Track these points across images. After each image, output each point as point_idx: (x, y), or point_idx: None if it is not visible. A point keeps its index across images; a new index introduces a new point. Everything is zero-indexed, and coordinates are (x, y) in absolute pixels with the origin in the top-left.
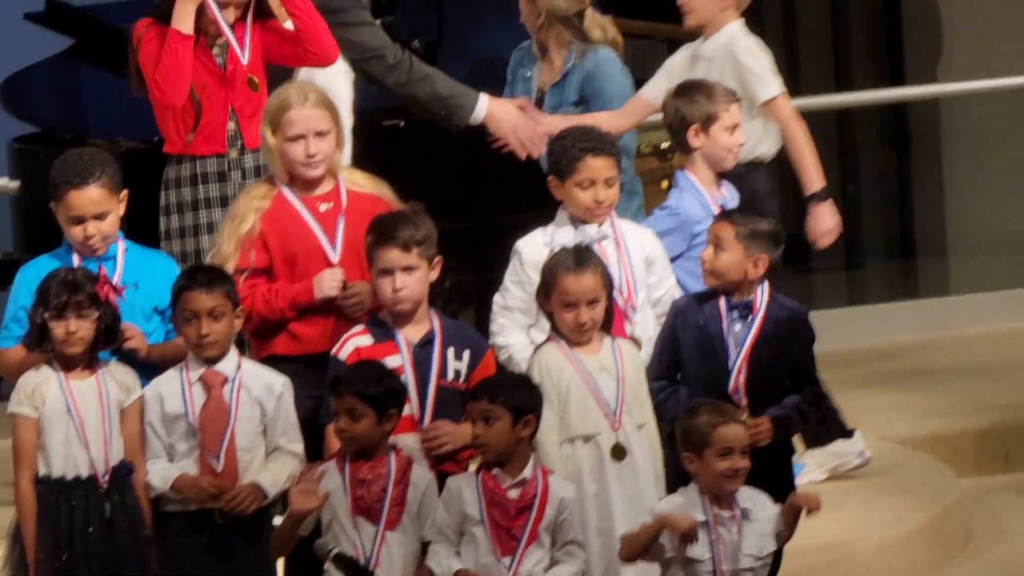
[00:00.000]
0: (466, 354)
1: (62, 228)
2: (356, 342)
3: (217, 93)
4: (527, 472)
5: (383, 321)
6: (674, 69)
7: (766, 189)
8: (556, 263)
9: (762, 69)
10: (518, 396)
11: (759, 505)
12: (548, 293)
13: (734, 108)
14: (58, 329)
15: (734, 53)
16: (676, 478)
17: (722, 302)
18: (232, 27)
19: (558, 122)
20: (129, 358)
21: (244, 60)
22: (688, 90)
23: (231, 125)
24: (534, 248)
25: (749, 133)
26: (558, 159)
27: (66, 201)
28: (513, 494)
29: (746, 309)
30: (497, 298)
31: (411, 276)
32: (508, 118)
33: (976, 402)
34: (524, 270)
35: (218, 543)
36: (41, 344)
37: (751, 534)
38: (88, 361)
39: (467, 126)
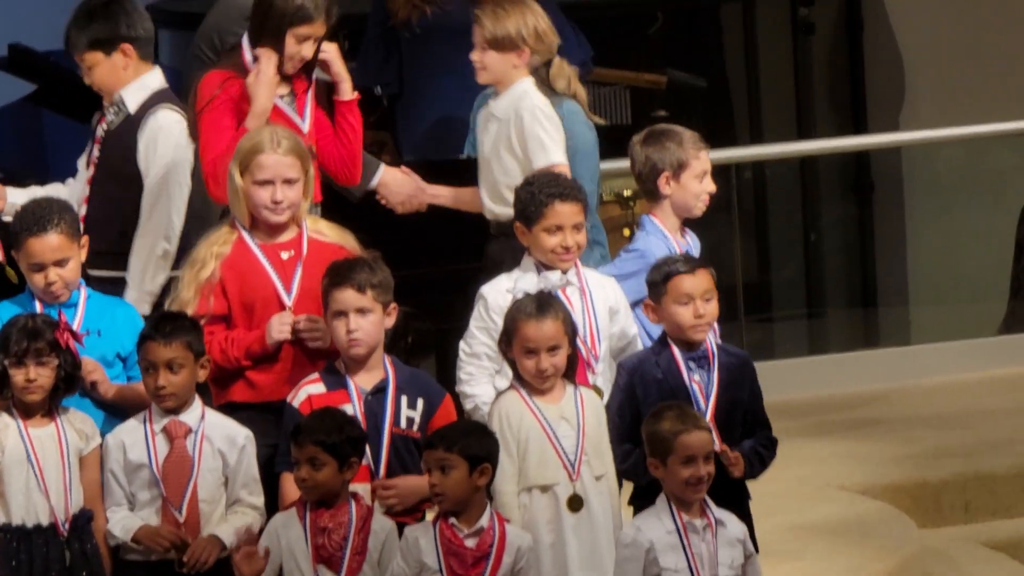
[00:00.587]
0: (420, 402)
1: (25, 276)
2: (308, 390)
3: None
4: (484, 521)
5: (336, 369)
6: (478, 135)
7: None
8: (517, 309)
9: (544, 134)
10: (474, 444)
11: (728, 517)
12: (510, 340)
13: (703, 155)
14: (17, 376)
15: (519, 112)
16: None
17: (677, 354)
18: (294, 95)
19: (441, 191)
20: (89, 403)
21: (304, 129)
22: (658, 136)
23: None
24: (499, 294)
25: None
26: (525, 205)
27: (26, 249)
28: (470, 543)
29: (702, 359)
30: (463, 345)
31: (365, 319)
32: (399, 187)
33: (937, 452)
34: (489, 316)
35: None
36: (1, 391)
37: (725, 544)
38: (48, 408)
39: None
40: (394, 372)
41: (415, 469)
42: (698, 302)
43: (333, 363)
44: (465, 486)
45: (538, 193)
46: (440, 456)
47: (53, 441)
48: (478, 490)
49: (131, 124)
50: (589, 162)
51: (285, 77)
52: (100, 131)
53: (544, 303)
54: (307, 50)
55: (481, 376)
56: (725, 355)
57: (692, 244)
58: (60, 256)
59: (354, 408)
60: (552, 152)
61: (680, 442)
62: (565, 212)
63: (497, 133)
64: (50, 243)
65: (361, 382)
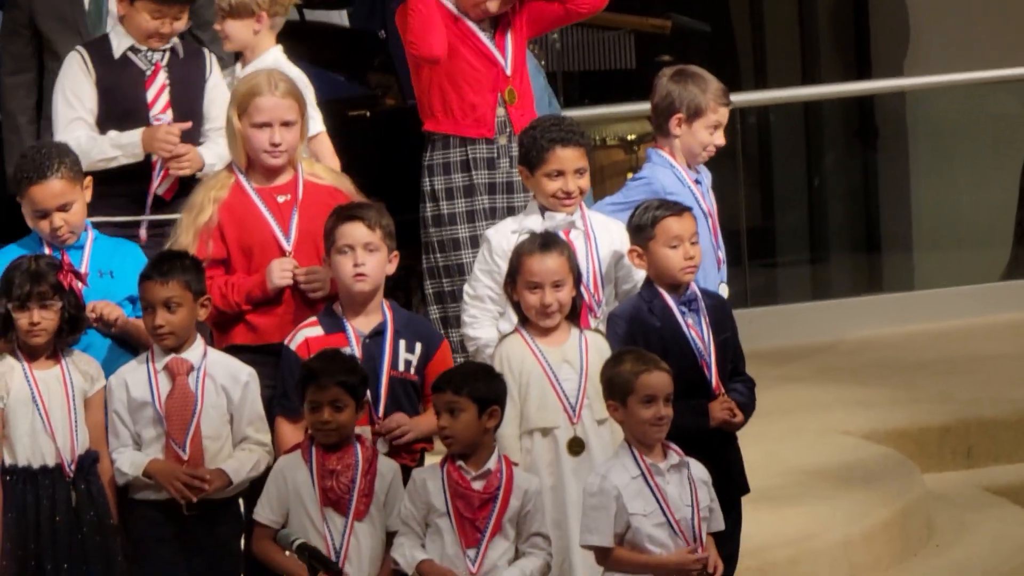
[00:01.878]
0: (418, 346)
1: (30, 223)
2: (306, 333)
3: (486, 75)
4: (491, 463)
5: (334, 312)
6: None
7: None
8: (522, 247)
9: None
10: (483, 387)
11: (691, 461)
12: (514, 278)
13: (723, 110)
14: (21, 320)
15: None
16: None
17: (670, 300)
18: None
19: None
20: (95, 332)
21: (508, 70)
22: (686, 77)
23: (500, 111)
24: (504, 237)
25: None
26: (528, 150)
27: (29, 196)
28: (477, 485)
29: (692, 302)
30: (467, 288)
31: (372, 256)
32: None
33: (940, 397)
34: (493, 259)
35: (185, 534)
36: (5, 334)
37: (690, 484)
38: (53, 350)
39: None
40: (392, 315)
41: (412, 412)
42: (687, 244)
43: (331, 306)
44: (474, 428)
45: (540, 138)
46: (449, 399)
47: (58, 383)
48: (487, 432)
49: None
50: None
51: None
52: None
53: (549, 240)
54: None
55: (484, 319)
56: (707, 298)
57: (703, 176)
58: (63, 201)
59: (352, 351)
60: (316, 119)
61: (641, 382)
62: (567, 157)
63: None
64: (52, 189)
65: (359, 325)
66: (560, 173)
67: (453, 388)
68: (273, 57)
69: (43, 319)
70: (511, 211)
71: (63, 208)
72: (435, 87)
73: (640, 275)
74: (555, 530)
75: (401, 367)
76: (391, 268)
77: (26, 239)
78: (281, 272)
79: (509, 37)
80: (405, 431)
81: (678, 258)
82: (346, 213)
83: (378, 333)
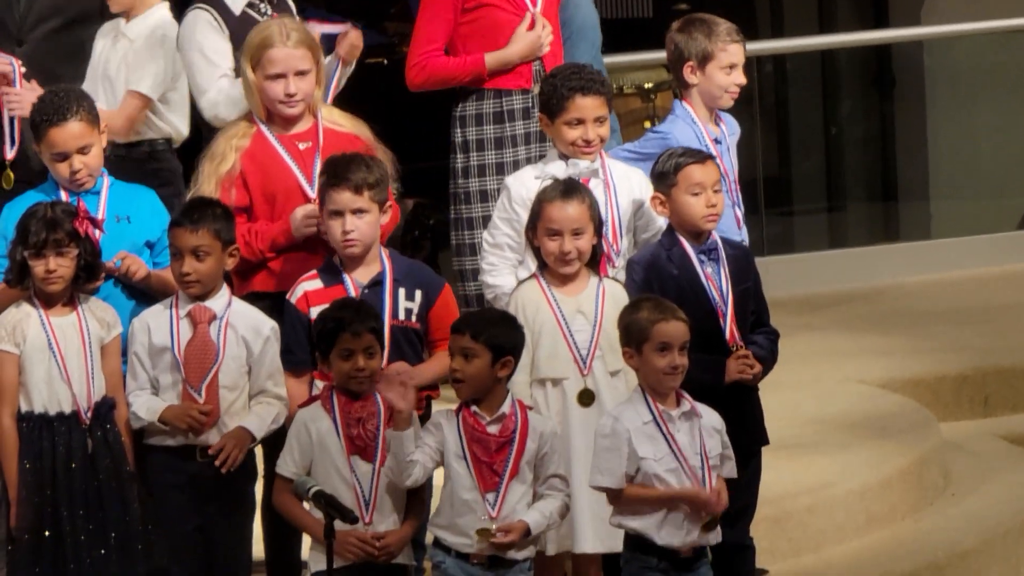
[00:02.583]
0: (418, 293)
1: (48, 167)
2: (305, 287)
3: (519, 23)
4: (505, 407)
5: (333, 264)
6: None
7: None
8: (544, 193)
9: (153, 64)
10: (500, 335)
11: (704, 408)
12: (535, 224)
13: (734, 48)
14: (38, 267)
15: (158, 39)
16: None
17: (689, 248)
18: None
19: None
20: (120, 292)
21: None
22: (689, 25)
23: (536, 62)
24: (523, 184)
25: None
26: (548, 98)
27: (48, 139)
28: (493, 429)
29: (712, 251)
30: (486, 235)
31: (361, 219)
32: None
33: (957, 346)
34: (512, 207)
35: (199, 480)
36: (22, 281)
37: (703, 432)
38: (69, 297)
39: None
40: (391, 265)
41: (415, 360)
42: (709, 192)
43: (331, 259)
44: (485, 376)
45: (560, 86)
46: (465, 343)
47: (74, 330)
48: (498, 381)
49: None
50: (593, 36)
51: None
52: None
53: (571, 187)
54: None
55: (503, 267)
56: (729, 248)
57: (727, 130)
58: (82, 143)
59: None
60: (144, 82)
61: (657, 330)
62: (587, 105)
63: (125, 53)
64: (72, 131)
65: (358, 276)
66: (580, 121)
67: (472, 333)
68: (159, 15)
69: (59, 266)
70: (541, 159)
71: (82, 151)
72: (471, 42)
73: (660, 225)
74: None
75: (402, 315)
76: (385, 219)
77: (43, 185)
78: (305, 219)
79: None
80: (406, 379)
81: (700, 205)
82: (333, 178)
83: (377, 283)
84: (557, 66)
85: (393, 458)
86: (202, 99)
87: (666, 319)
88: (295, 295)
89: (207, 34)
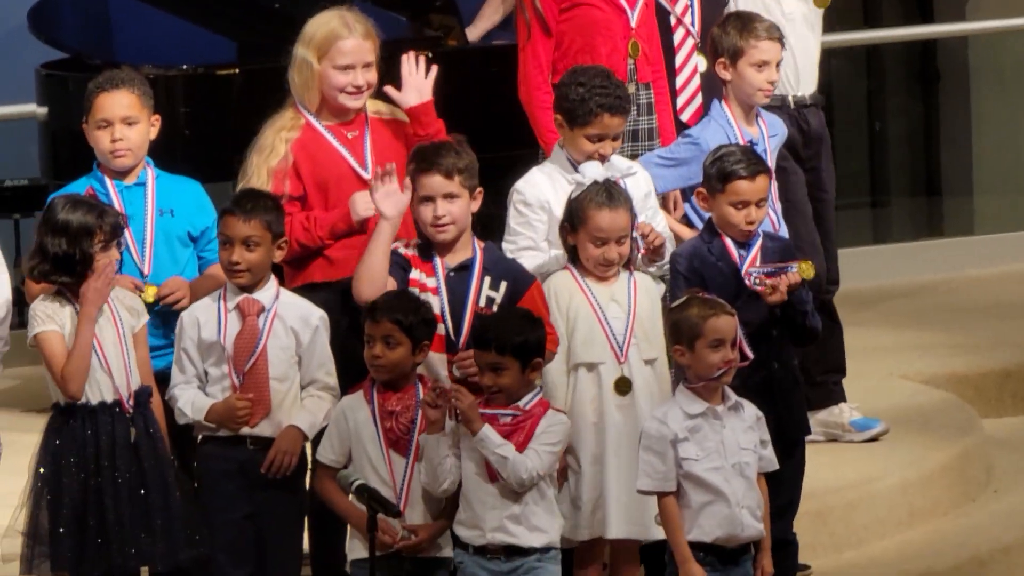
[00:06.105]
0: (503, 284)
1: (92, 142)
2: (404, 251)
3: (616, 23)
4: (523, 403)
5: (428, 243)
6: None
7: None
8: (588, 198)
9: None
10: (524, 341)
11: (744, 402)
12: (575, 227)
13: (766, 45)
14: (102, 260)
15: None
16: None
17: (730, 244)
18: None
19: None
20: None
21: (633, 23)
22: (726, 21)
23: (631, 61)
24: (535, 187)
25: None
26: (574, 106)
27: (96, 105)
28: (505, 419)
29: (752, 245)
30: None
31: (453, 204)
32: None
33: (999, 341)
34: (529, 210)
35: (249, 468)
36: (73, 271)
37: (743, 428)
38: None
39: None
40: (482, 254)
41: None
42: (752, 208)
43: (428, 239)
44: (520, 382)
45: (589, 99)
46: (491, 359)
47: (108, 320)
48: (531, 382)
49: None
50: None
51: None
52: None
53: (613, 192)
54: None
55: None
56: (770, 241)
57: (767, 131)
58: (129, 113)
59: (437, 282)
60: None
61: (709, 326)
62: (613, 125)
63: None
64: (120, 99)
65: (447, 260)
66: (600, 138)
67: (496, 348)
68: None
69: (114, 255)
70: (633, 159)
71: (127, 122)
72: (566, 39)
73: (660, 218)
74: (593, 466)
75: (483, 303)
76: (475, 206)
77: (87, 176)
78: (366, 203)
79: None
80: (471, 373)
81: (739, 218)
82: (423, 163)
83: (464, 268)
84: (584, 70)
85: (428, 463)
86: None
87: (716, 314)
88: (400, 249)
89: None
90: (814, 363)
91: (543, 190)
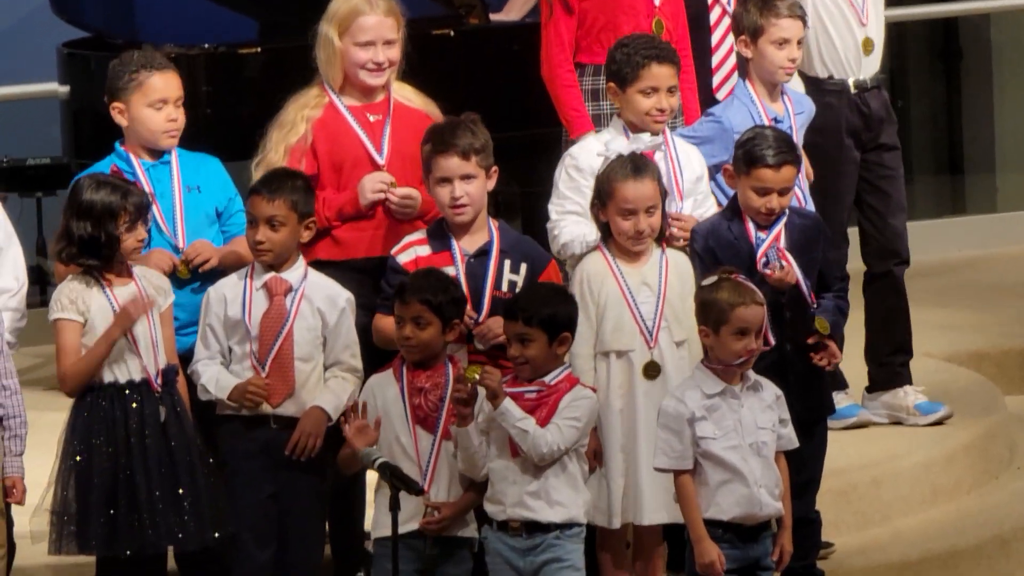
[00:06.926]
0: (523, 267)
1: (137, 121)
2: (416, 251)
3: (639, 1)
4: (549, 379)
5: (442, 229)
6: None
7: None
8: (613, 171)
9: None
10: (553, 315)
11: (763, 381)
12: (604, 202)
13: (787, 23)
14: (129, 240)
15: None
16: None
17: (750, 225)
18: None
19: None
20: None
21: (656, 0)
22: None
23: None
24: (589, 154)
25: None
26: (620, 66)
27: (149, 85)
28: (530, 395)
29: (775, 225)
30: (554, 207)
31: (470, 184)
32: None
33: (1022, 320)
34: (581, 176)
35: (272, 447)
36: (99, 254)
37: (762, 407)
38: (126, 269)
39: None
40: (499, 235)
41: None
42: (775, 196)
43: (440, 223)
44: (546, 356)
45: (634, 54)
46: (519, 329)
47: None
48: (558, 357)
49: None
50: None
51: None
52: None
53: (640, 164)
54: None
55: (572, 225)
56: (798, 217)
57: (793, 108)
58: (180, 95)
59: (456, 270)
60: None
61: (737, 315)
62: (662, 74)
63: None
64: (174, 80)
65: (465, 244)
66: (655, 90)
67: (524, 318)
68: None
69: (142, 233)
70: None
71: (178, 103)
72: (588, 16)
73: (710, 202)
74: (622, 452)
75: (504, 287)
76: (491, 184)
77: (110, 156)
78: (374, 186)
79: None
80: (497, 333)
81: (759, 203)
82: (440, 144)
83: (483, 252)
84: (626, 36)
85: (464, 451)
86: None
87: (746, 304)
88: (404, 256)
89: None
90: (881, 344)
91: (595, 156)
